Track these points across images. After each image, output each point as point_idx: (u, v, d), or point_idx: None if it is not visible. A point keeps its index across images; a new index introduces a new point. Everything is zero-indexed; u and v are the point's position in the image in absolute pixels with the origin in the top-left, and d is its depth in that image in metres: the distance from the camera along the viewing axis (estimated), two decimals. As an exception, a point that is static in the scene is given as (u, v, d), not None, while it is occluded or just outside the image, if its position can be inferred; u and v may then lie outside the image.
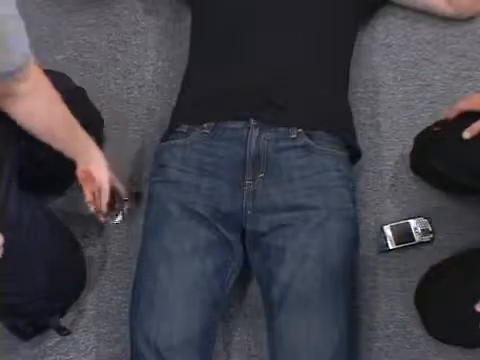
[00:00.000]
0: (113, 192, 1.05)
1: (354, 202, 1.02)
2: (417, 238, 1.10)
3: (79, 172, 1.00)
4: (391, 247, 1.10)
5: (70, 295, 1.09)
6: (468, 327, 0.91)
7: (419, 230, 1.10)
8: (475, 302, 0.86)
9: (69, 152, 0.98)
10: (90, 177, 1.00)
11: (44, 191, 1.14)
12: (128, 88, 1.29)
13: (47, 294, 0.98)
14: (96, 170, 1.00)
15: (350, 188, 1.02)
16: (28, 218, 0.93)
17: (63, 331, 1.05)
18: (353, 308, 1.02)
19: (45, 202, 1.16)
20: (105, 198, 1.02)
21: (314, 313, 0.91)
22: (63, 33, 1.34)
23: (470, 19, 1.25)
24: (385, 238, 1.10)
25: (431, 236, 1.10)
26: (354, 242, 1.00)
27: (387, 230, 1.11)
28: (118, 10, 1.35)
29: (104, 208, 1.03)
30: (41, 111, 0.91)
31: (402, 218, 1.13)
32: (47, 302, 1.00)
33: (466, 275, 0.94)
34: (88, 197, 1.02)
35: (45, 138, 0.94)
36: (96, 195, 1.02)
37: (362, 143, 1.14)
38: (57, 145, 0.95)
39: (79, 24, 1.35)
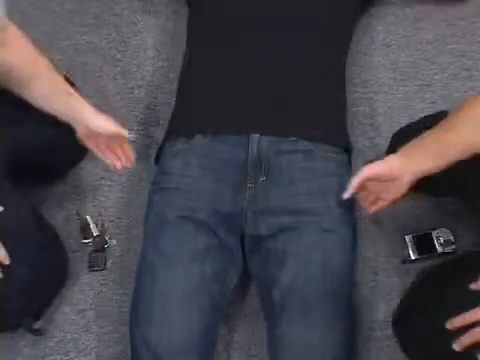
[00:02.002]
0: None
1: (353, 205, 1.02)
2: (439, 249, 1.08)
3: (80, 134, 0.99)
4: (413, 257, 1.09)
5: (48, 296, 1.08)
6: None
7: (441, 240, 1.09)
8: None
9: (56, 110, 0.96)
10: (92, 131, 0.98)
11: (29, 186, 1.12)
12: (128, 88, 1.29)
13: (26, 293, 0.98)
14: (89, 117, 0.97)
15: None
16: (13, 216, 0.93)
17: (36, 332, 1.04)
18: (353, 309, 1.01)
19: (31, 200, 1.13)
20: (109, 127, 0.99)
21: (316, 316, 0.91)
22: (63, 33, 1.34)
23: (470, 19, 1.25)
24: (407, 248, 1.09)
25: (454, 247, 1.09)
26: (353, 245, 1.00)
27: (409, 240, 1.10)
28: (118, 10, 1.35)
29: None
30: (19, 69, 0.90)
31: (423, 228, 1.11)
32: (25, 302, 0.99)
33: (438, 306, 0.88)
34: (103, 156, 1.02)
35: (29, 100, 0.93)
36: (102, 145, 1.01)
37: (362, 143, 1.15)
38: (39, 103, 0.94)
39: (79, 24, 1.35)
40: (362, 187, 0.91)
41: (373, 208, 0.97)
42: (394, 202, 0.94)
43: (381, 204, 0.95)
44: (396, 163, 0.87)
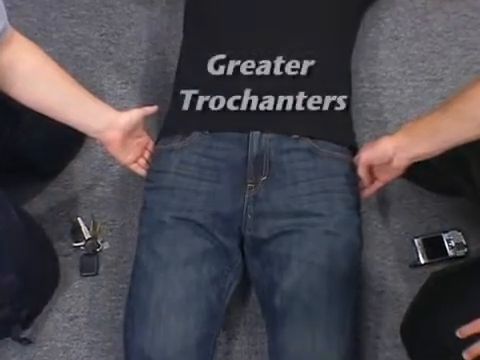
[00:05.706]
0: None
1: (359, 207, 1.00)
2: (450, 252, 1.07)
3: (107, 146, 0.97)
4: (423, 261, 1.07)
5: (37, 303, 1.07)
6: None
7: (452, 243, 1.07)
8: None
9: (74, 123, 0.93)
10: (119, 143, 0.96)
11: (15, 186, 1.10)
12: (121, 83, 1.27)
13: (14, 300, 0.97)
14: (116, 130, 0.94)
15: (355, 193, 0.99)
16: (3, 218, 0.91)
17: (24, 341, 1.03)
18: (359, 316, 1.00)
19: (18, 201, 1.13)
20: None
21: (320, 323, 0.89)
22: (53, 25, 1.33)
23: (482, 11, 1.26)
24: (416, 252, 1.08)
25: (465, 250, 1.07)
26: (359, 248, 0.98)
27: (418, 243, 1.08)
28: (110, 1, 1.35)
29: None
30: (28, 78, 0.88)
31: (433, 230, 1.10)
32: (13, 310, 0.98)
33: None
34: (133, 166, 1.03)
35: (40, 110, 0.90)
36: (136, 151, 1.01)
37: (368, 141, 1.10)
38: (58, 117, 0.92)
39: (70, 15, 1.34)
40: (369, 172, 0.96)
41: (368, 191, 0.99)
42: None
43: (377, 185, 0.98)
44: (388, 146, 0.89)
